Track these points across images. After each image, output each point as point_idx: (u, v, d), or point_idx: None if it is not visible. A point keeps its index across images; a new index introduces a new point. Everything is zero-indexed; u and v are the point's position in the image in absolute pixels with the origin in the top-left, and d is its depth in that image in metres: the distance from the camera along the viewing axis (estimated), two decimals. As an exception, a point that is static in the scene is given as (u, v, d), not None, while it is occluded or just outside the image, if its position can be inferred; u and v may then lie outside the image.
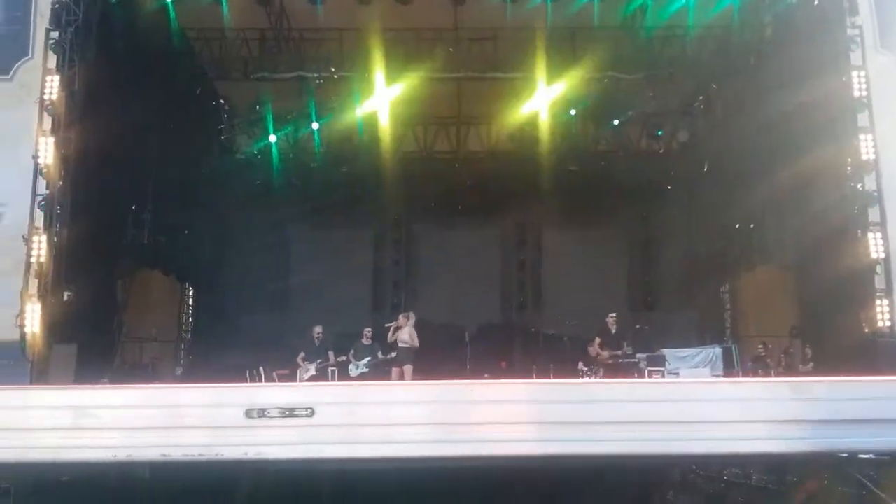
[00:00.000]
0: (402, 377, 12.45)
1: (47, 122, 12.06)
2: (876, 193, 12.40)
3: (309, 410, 7.37)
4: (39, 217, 11.88)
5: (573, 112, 18.07)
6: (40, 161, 11.90)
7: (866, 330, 11.94)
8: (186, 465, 7.31)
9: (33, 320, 11.35)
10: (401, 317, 13.32)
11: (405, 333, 12.93)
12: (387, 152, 19.27)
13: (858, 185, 12.54)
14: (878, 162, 12.44)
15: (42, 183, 12.02)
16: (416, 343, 12.94)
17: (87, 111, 12.45)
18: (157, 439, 7.29)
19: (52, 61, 12.38)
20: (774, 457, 8.19)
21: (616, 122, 18.56)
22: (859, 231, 12.40)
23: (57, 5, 12.48)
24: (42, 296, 11.50)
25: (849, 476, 7.73)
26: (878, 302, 11.94)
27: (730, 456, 8.14)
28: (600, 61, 16.68)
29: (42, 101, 12.13)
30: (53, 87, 12.16)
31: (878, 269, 12.08)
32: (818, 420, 7.79)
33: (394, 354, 12.97)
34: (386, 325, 13.28)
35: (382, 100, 17.25)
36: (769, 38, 15.41)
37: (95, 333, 12.99)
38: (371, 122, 18.46)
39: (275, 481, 7.99)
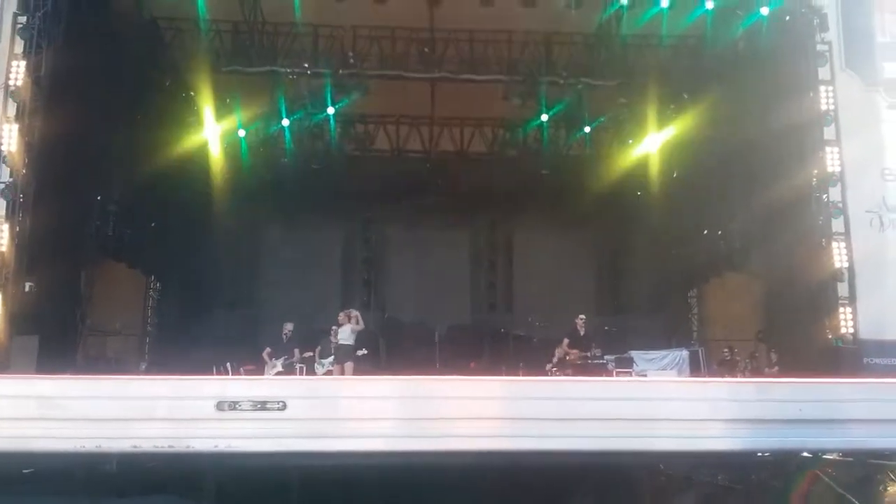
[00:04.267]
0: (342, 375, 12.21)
1: (11, 109, 11.75)
2: (841, 204, 12.69)
3: (281, 404, 7.30)
4: (1, 206, 11.56)
5: (546, 117, 18.15)
6: (3, 148, 11.58)
7: (830, 336, 12.21)
8: (155, 457, 7.19)
9: (-7, 311, 11.06)
10: (341, 314, 13.12)
11: (346, 331, 12.73)
12: (358, 150, 19.22)
13: (824, 197, 12.82)
14: (844, 174, 12.74)
15: (5, 171, 11.71)
16: (361, 326, 12.82)
17: (53, 99, 12.15)
18: (127, 430, 7.17)
19: (19, 46, 12.07)
20: (739, 455, 8.32)
21: (588, 128, 18.68)
22: (824, 240, 12.67)
23: (26, -10, 12.21)
24: (3, 286, 11.18)
25: (813, 476, 7.91)
26: (841, 309, 12.23)
27: (696, 453, 8.27)
28: (574, 67, 16.84)
29: (7, 86, 11.82)
30: (19, 72, 11.82)
31: (842, 277, 12.37)
32: (783, 420, 7.95)
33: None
34: (333, 328, 13.14)
35: (355, 97, 17.17)
36: (741, 50, 15.67)
37: (58, 325, 12.74)
38: (343, 120, 18.39)
39: (244, 475, 7.88)
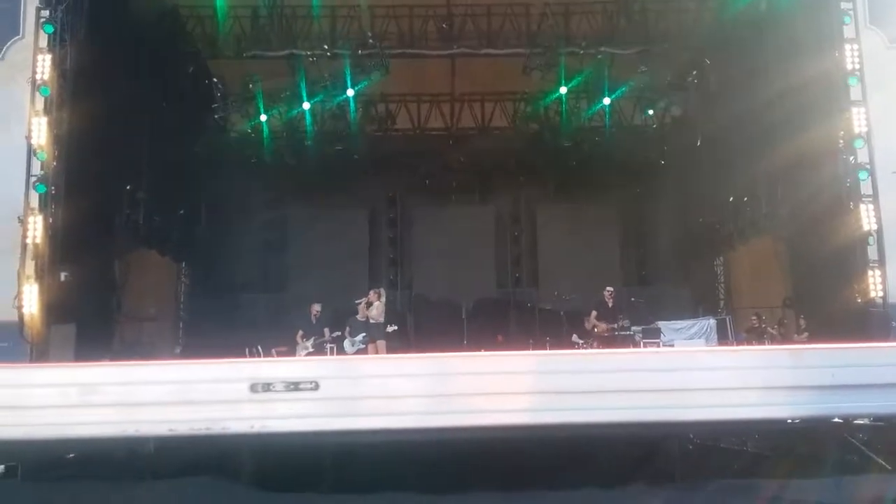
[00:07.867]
0: (376, 354, 12.39)
1: (39, 102, 11.96)
2: (868, 166, 12.50)
3: (313, 384, 7.43)
4: (34, 198, 11.83)
5: (565, 89, 18.00)
6: (33, 142, 11.82)
7: (859, 300, 12.10)
8: (192, 439, 7.39)
9: (31, 301, 11.34)
10: (371, 293, 13.21)
11: (375, 310, 12.87)
12: (380, 130, 19.29)
13: (851, 158, 12.62)
14: (871, 135, 12.52)
15: (36, 164, 11.95)
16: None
17: (80, 90, 12.33)
18: (164, 414, 7.36)
19: (44, 40, 12.25)
20: (771, 423, 8.32)
21: (610, 97, 18.51)
22: (852, 203, 12.51)
23: (48, -17, 12.36)
24: (39, 276, 11.47)
25: (844, 441, 7.91)
26: (870, 273, 12.10)
27: (727, 423, 8.26)
28: (594, 37, 16.69)
29: (34, 80, 12.02)
30: (45, 66, 12.01)
31: (871, 240, 12.22)
32: (815, 386, 7.91)
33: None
34: (356, 302, 13.23)
35: (375, 77, 17.19)
36: (763, 11, 15.40)
37: (93, 313, 13.01)
38: (364, 100, 18.44)
39: (279, 455, 8.08)
